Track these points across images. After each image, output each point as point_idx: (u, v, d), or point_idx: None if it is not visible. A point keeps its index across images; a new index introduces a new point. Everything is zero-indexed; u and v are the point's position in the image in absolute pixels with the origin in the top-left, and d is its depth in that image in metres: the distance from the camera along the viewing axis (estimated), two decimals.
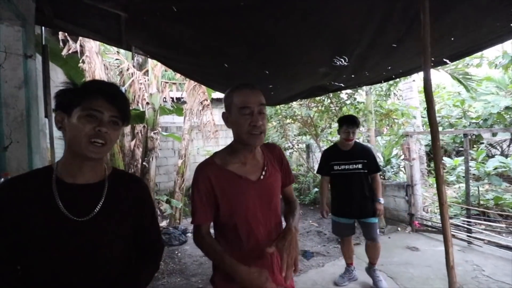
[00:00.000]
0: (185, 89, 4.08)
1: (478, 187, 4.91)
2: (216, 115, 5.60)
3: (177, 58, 2.23)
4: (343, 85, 2.73)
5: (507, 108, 6.55)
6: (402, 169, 5.64)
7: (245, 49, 1.91)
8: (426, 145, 7.26)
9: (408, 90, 6.51)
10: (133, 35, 2.08)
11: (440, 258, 3.08)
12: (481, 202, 4.75)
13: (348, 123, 2.42)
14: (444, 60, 2.15)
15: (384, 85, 4.54)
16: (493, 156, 6.26)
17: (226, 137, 8.12)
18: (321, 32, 1.63)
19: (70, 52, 3.09)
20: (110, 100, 0.78)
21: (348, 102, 4.13)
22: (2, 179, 1.49)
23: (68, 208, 0.76)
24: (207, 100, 3.95)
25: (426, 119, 8.12)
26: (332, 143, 3.06)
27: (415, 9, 1.29)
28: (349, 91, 4.11)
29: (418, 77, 8.19)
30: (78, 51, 3.15)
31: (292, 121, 4.91)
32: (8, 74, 1.71)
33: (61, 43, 3.07)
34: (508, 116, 6.72)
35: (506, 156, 6.16)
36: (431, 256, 3.18)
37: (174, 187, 4.66)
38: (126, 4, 1.69)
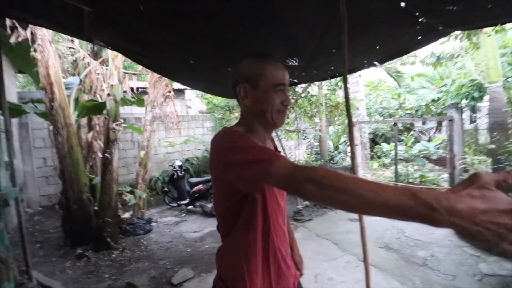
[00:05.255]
0: (148, 80, 4.08)
1: (407, 168, 5.85)
2: (177, 105, 5.64)
3: (142, 52, 2.34)
4: (296, 81, 3.09)
5: (433, 100, 7.74)
6: (349, 154, 6.41)
7: (210, 49, 2.12)
8: (369, 133, 8.23)
9: (355, 84, 7.25)
10: (97, 29, 2.12)
11: (374, 226, 3.76)
12: (410, 180, 5.70)
13: None
14: (374, 63, 2.63)
15: (333, 80, 5.07)
16: (419, 141, 7.37)
17: (188, 128, 8.15)
18: (276, 37, 1.93)
19: (19, 40, 2.91)
20: None
21: (303, 95, 4.56)
22: None
23: None
24: (170, 92, 4.03)
25: (371, 110, 9.15)
26: (289, 133, 3.03)
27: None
28: (303, 85, 4.53)
29: (365, 72, 9.10)
30: (29, 39, 2.99)
31: None
32: None
33: (8, 30, 2.87)
34: (434, 107, 7.95)
35: (430, 141, 7.34)
36: (368, 225, 3.81)
37: (137, 179, 4.67)
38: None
